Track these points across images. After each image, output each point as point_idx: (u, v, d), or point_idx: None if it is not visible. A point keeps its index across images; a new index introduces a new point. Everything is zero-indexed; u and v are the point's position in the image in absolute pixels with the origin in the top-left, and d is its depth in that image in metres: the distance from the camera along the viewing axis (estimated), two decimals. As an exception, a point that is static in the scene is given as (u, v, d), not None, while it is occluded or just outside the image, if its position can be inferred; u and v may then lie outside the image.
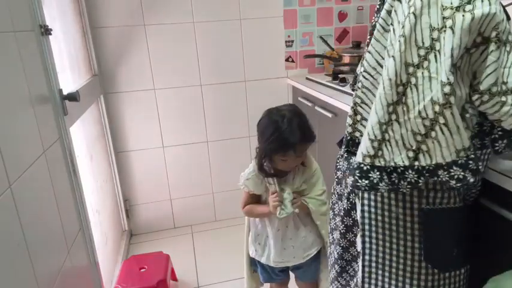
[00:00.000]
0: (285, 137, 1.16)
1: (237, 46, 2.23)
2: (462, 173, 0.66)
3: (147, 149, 2.28)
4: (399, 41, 0.65)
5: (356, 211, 0.93)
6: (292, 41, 2.31)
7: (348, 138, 0.83)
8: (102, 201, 1.91)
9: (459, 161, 0.66)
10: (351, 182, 0.72)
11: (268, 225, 1.35)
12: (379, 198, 0.84)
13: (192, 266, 2.07)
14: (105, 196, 2.00)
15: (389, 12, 0.72)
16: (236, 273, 1.90)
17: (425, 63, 0.64)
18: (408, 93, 0.66)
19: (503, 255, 0.86)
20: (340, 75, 2.02)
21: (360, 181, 0.70)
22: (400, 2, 0.68)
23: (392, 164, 0.69)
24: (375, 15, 0.85)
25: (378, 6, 0.84)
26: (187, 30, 2.14)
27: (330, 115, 1.80)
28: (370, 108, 0.77)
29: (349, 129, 0.82)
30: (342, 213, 0.99)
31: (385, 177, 0.69)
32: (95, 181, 1.80)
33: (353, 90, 1.17)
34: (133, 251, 2.23)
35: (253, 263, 1.49)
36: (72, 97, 1.28)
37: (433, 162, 0.67)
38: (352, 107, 0.81)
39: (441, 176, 0.67)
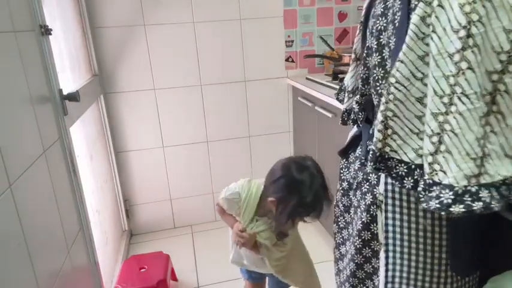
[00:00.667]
0: (314, 202, 1.10)
1: (237, 46, 2.23)
2: None
3: (147, 149, 2.28)
4: (473, 51, 0.61)
5: (376, 224, 0.89)
6: (292, 41, 2.31)
7: (378, 154, 0.76)
8: (102, 201, 1.91)
9: None
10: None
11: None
12: (405, 211, 0.82)
13: (192, 266, 2.07)
14: (105, 196, 2.00)
15: (423, 19, 0.67)
16: (236, 273, 1.90)
17: (511, 67, 0.61)
18: (499, 100, 0.63)
19: (503, 256, 0.86)
20: (340, 75, 2.02)
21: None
22: (443, 8, 0.64)
23: (499, 177, 0.65)
24: (379, 18, 0.81)
25: (382, 10, 0.80)
26: (187, 30, 2.14)
27: (330, 115, 1.80)
28: (402, 121, 0.73)
29: (379, 145, 0.76)
30: (359, 227, 0.94)
31: (495, 193, 0.65)
32: (95, 181, 1.80)
33: (338, 99, 1.13)
34: (134, 251, 2.23)
35: None
36: (72, 97, 1.28)
37: None
38: (383, 121, 0.75)
39: None
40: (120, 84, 2.14)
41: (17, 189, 0.88)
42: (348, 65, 2.06)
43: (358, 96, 0.97)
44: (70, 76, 1.61)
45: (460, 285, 0.85)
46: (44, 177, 1.07)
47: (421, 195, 0.69)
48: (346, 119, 1.08)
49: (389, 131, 0.75)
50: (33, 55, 1.12)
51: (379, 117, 0.75)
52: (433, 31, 0.66)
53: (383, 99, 0.75)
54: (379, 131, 0.76)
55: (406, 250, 0.84)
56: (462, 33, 0.62)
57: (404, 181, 0.75)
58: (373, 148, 0.77)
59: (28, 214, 0.93)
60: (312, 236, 2.29)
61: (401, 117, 0.73)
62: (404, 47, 0.70)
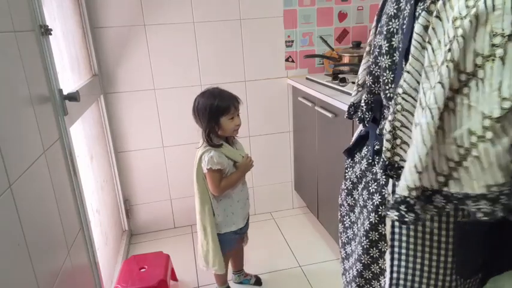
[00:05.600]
0: (223, 98, 1.53)
1: (237, 46, 2.23)
2: (491, 207, 0.62)
3: (147, 149, 2.28)
4: (447, 66, 0.60)
5: (384, 225, 0.89)
6: (292, 41, 2.31)
7: (387, 163, 0.77)
8: (102, 201, 1.91)
9: (488, 195, 0.62)
10: (395, 217, 0.68)
11: (232, 190, 1.62)
12: None
13: (192, 266, 2.07)
14: (105, 196, 2.00)
15: (426, 28, 0.67)
16: (236, 273, 1.91)
17: (466, 90, 0.60)
18: (445, 117, 0.63)
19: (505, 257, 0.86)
20: (340, 75, 2.02)
21: (407, 215, 0.67)
22: (440, 20, 0.63)
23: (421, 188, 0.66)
24: (392, 20, 0.80)
25: (395, 11, 0.79)
26: (187, 30, 2.14)
27: (330, 115, 1.80)
28: (410, 131, 0.72)
29: (388, 154, 0.76)
30: (367, 228, 0.94)
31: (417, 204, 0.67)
32: (95, 181, 1.80)
33: (350, 118, 1.10)
34: (134, 251, 2.23)
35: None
36: (72, 97, 1.28)
37: (463, 191, 0.64)
38: (391, 131, 0.74)
39: (469, 206, 0.64)
40: (120, 84, 2.14)
41: (17, 189, 0.88)
42: (347, 65, 2.08)
43: (365, 95, 0.95)
44: (70, 76, 1.61)
45: (463, 287, 0.85)
46: (44, 177, 1.07)
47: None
48: (352, 112, 1.07)
49: (398, 141, 0.74)
50: (33, 55, 1.12)
51: (387, 126, 0.75)
52: (429, 42, 0.65)
53: (391, 109, 0.75)
54: (387, 140, 0.75)
55: (411, 253, 0.84)
56: (448, 46, 0.61)
57: None
58: (383, 157, 0.77)
59: (28, 214, 0.93)
60: (313, 236, 2.29)
61: (410, 127, 0.72)
62: (410, 57, 0.70)
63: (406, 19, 0.74)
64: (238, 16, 2.18)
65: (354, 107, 1.06)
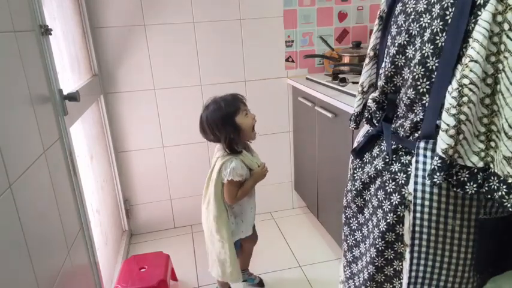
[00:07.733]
0: (228, 102, 1.53)
1: (237, 46, 2.23)
2: None
3: (147, 149, 2.28)
4: None
5: (402, 225, 0.87)
6: (292, 41, 2.31)
7: (448, 162, 0.72)
8: (102, 201, 1.91)
9: None
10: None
11: (247, 199, 1.63)
12: (434, 211, 0.80)
13: (192, 266, 2.07)
14: (105, 196, 2.00)
15: (494, 16, 0.66)
16: (236, 273, 1.90)
17: None
18: None
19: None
20: (340, 75, 2.02)
21: None
22: None
23: None
24: (422, 15, 0.78)
25: (425, 6, 0.78)
26: (187, 30, 2.14)
27: (330, 115, 1.80)
28: (472, 125, 0.70)
29: (450, 152, 0.72)
30: (383, 229, 0.91)
31: None
32: (95, 181, 1.80)
33: (356, 127, 1.07)
34: (134, 251, 2.23)
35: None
36: (72, 97, 1.28)
37: None
38: (456, 125, 0.70)
39: None
40: (120, 84, 2.14)
41: (17, 189, 0.88)
42: (347, 65, 2.08)
43: (376, 94, 0.94)
44: (70, 76, 1.61)
45: (478, 283, 0.85)
46: (44, 177, 1.07)
47: (504, 200, 0.67)
48: (359, 121, 1.05)
49: (461, 136, 0.71)
50: (33, 55, 1.12)
51: (451, 121, 0.71)
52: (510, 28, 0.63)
53: (453, 102, 0.71)
54: (450, 136, 0.71)
55: (431, 251, 0.82)
56: None
57: (466, 187, 0.72)
58: (442, 156, 0.73)
59: (28, 214, 0.93)
60: (313, 236, 2.29)
61: (472, 121, 0.70)
62: (477, 45, 0.67)
63: (451, 9, 0.73)
64: (238, 16, 2.18)
65: (359, 115, 1.04)
